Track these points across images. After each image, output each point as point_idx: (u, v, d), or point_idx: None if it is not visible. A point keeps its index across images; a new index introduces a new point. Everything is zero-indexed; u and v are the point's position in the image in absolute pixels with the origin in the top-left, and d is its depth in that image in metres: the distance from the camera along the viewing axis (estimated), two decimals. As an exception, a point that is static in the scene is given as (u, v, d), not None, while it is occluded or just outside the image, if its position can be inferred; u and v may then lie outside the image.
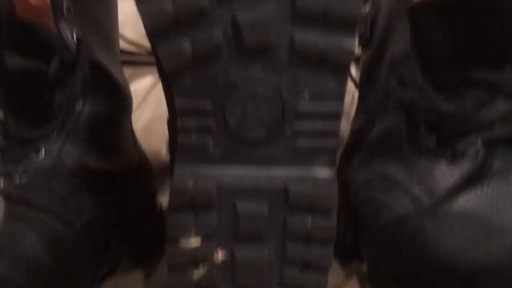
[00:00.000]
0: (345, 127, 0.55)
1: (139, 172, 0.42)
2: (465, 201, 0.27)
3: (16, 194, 0.30)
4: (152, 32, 0.26)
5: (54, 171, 0.33)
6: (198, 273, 0.29)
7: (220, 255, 0.29)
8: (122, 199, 0.38)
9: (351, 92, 0.56)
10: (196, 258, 0.29)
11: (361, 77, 0.44)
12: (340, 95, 0.27)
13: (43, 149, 0.33)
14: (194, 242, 0.29)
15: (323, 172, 0.28)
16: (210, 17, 0.25)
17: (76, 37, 0.35)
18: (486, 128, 0.29)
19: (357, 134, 0.39)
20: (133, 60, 0.66)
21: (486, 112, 0.29)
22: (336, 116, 0.27)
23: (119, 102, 0.40)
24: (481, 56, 0.30)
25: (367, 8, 0.42)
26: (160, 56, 0.26)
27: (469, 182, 0.28)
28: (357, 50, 0.44)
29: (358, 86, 0.46)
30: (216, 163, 0.28)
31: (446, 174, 0.29)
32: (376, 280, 0.31)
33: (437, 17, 0.30)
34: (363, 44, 0.42)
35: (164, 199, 0.45)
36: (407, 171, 0.31)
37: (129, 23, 0.57)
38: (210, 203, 0.28)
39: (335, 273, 0.37)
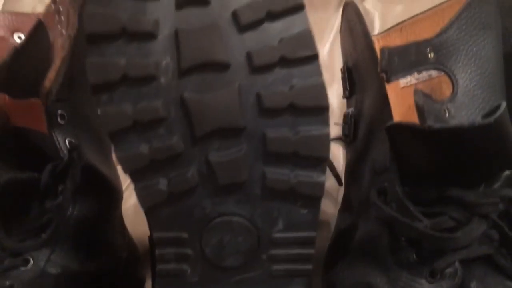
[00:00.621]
0: (332, 211, 0.56)
1: (128, 263, 0.43)
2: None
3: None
4: (130, 172, 0.27)
5: (40, 280, 0.33)
6: None
7: None
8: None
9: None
10: None
11: (345, 174, 0.45)
12: (313, 223, 0.28)
13: (31, 259, 0.33)
14: None
15: None
16: (185, 158, 0.27)
17: (69, 143, 0.36)
18: (463, 248, 0.30)
19: (342, 235, 0.40)
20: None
21: (463, 234, 0.30)
22: (310, 242, 0.28)
23: (109, 199, 0.41)
24: (456, 176, 0.31)
25: (350, 108, 0.44)
26: (136, 193, 0.27)
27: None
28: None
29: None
30: None
31: (427, 293, 0.30)
32: None
33: (413, 138, 0.32)
34: (347, 143, 0.44)
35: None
36: (389, 282, 0.32)
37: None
38: None
39: None
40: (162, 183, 0.27)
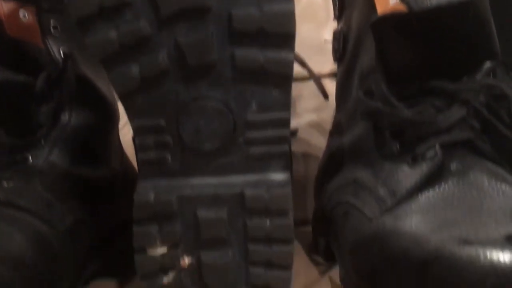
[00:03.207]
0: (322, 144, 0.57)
1: (125, 182, 0.44)
2: (424, 199, 0.29)
3: (3, 197, 0.32)
4: (101, 59, 0.28)
5: (40, 177, 0.35)
6: (167, 278, 0.31)
7: (186, 261, 0.30)
8: (107, 205, 0.40)
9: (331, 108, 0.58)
10: (164, 265, 0.30)
11: (336, 91, 0.46)
12: (286, 104, 0.29)
13: (30, 156, 0.35)
14: (160, 250, 0.30)
15: (277, 176, 0.30)
16: (154, 42, 0.27)
17: (63, 52, 0.37)
18: (443, 133, 0.31)
19: (333, 155, 0.41)
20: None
21: (443, 118, 0.31)
22: (284, 123, 0.29)
23: (105, 115, 0.42)
24: (439, 68, 0.32)
25: (340, 25, 0.44)
26: (110, 81, 0.28)
27: (428, 182, 0.30)
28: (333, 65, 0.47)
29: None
30: (175, 176, 0.30)
31: (407, 176, 0.31)
32: (347, 279, 0.33)
33: (396, 32, 0.32)
34: (338, 59, 0.44)
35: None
36: (374, 174, 0.33)
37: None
38: (172, 213, 0.29)
39: (309, 272, 0.39)
40: (134, 69, 0.28)
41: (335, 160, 0.40)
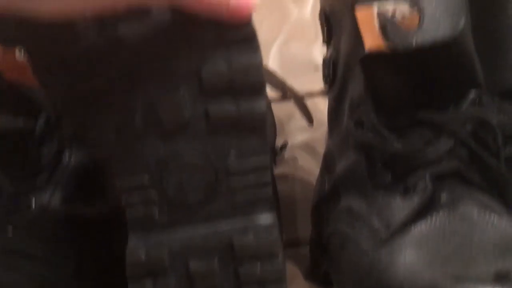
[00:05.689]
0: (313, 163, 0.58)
1: (123, 214, 0.45)
2: (417, 232, 0.30)
3: (9, 245, 0.33)
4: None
5: (43, 221, 0.35)
6: None
7: None
8: (111, 238, 0.41)
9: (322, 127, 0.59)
10: None
11: (328, 116, 0.47)
12: (264, 149, 0.30)
13: (33, 201, 0.36)
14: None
15: (264, 219, 0.30)
16: (129, 104, 0.28)
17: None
18: (433, 164, 0.32)
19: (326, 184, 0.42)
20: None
21: (432, 150, 0.32)
22: (265, 168, 0.30)
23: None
24: (426, 99, 0.33)
25: (329, 51, 0.45)
26: (89, 148, 0.29)
27: (419, 214, 0.31)
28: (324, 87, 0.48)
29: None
30: (164, 229, 0.30)
31: (400, 207, 0.32)
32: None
33: (385, 66, 0.34)
34: (328, 84, 0.45)
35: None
36: (368, 204, 0.34)
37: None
38: (164, 269, 0.30)
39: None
40: (111, 133, 0.29)
41: (329, 188, 0.41)
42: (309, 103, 0.65)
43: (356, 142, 0.36)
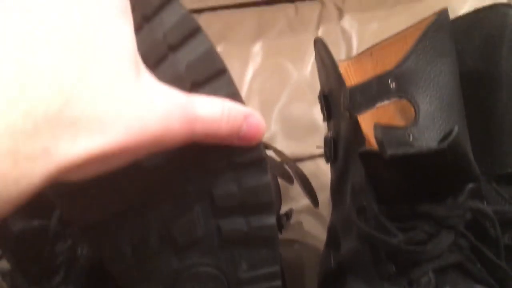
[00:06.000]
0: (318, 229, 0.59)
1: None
2: (422, 329, 0.31)
3: None
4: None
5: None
6: None
7: None
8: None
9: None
10: None
11: (331, 189, 0.48)
12: (274, 259, 0.31)
13: (50, 300, 0.37)
14: None
15: None
16: (145, 223, 0.30)
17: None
18: (434, 258, 0.33)
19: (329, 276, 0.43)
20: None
21: (434, 244, 0.33)
22: (275, 276, 0.31)
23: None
24: (424, 193, 0.35)
25: (329, 131, 0.47)
26: (103, 259, 0.30)
27: (425, 309, 0.32)
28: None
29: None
30: None
31: (406, 301, 0.33)
32: None
33: (383, 163, 0.35)
34: (330, 161, 0.47)
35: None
36: (374, 294, 0.36)
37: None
38: None
39: None
40: (128, 249, 0.30)
41: (335, 266, 0.42)
42: (312, 165, 0.66)
43: (359, 233, 0.37)
